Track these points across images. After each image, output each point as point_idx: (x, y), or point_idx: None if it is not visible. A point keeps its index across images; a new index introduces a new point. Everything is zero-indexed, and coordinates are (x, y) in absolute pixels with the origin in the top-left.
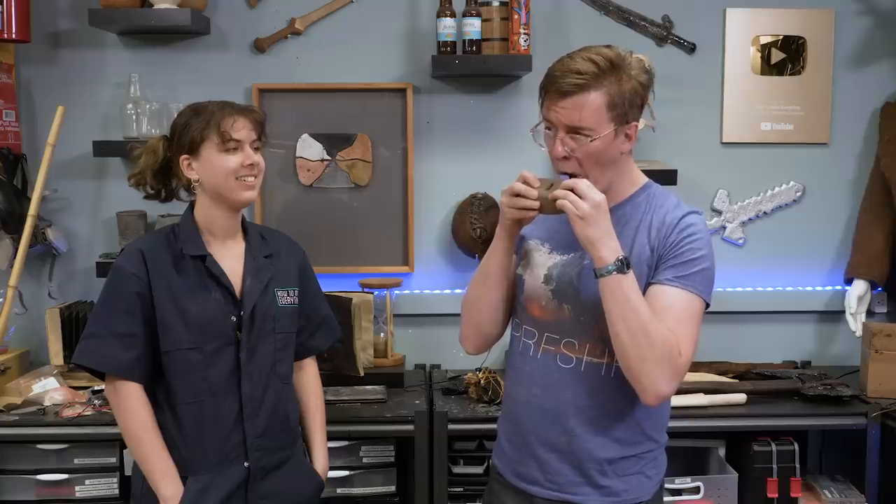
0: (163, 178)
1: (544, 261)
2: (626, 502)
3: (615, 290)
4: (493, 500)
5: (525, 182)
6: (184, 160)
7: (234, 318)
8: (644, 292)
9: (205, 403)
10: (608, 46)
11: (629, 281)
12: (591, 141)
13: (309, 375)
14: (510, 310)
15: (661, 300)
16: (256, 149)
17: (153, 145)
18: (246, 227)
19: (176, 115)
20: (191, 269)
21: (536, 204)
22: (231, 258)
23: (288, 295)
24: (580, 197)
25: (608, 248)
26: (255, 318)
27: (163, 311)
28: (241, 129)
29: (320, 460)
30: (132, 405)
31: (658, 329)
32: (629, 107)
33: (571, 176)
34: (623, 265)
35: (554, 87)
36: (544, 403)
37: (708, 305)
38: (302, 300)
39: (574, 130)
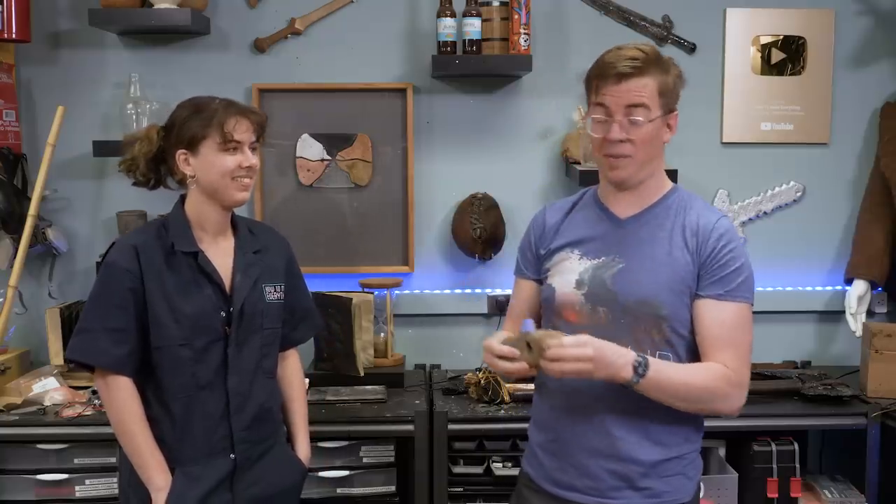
0: (155, 166)
1: (575, 266)
2: (667, 503)
3: (652, 388)
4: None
5: (501, 356)
6: (181, 155)
7: (223, 314)
8: (691, 301)
9: (193, 398)
10: (645, 44)
11: (657, 372)
12: (649, 121)
13: (291, 366)
14: None
15: (713, 316)
16: (254, 149)
17: (148, 133)
18: (235, 223)
19: (177, 107)
20: (182, 265)
21: (533, 371)
22: (221, 254)
23: (275, 290)
24: (575, 357)
25: (625, 370)
26: (244, 314)
27: (154, 308)
28: (244, 131)
29: (303, 448)
30: (123, 399)
31: (705, 379)
32: (673, 96)
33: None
34: (643, 368)
35: (613, 72)
36: (582, 409)
37: (753, 304)
38: (287, 294)
39: (632, 112)
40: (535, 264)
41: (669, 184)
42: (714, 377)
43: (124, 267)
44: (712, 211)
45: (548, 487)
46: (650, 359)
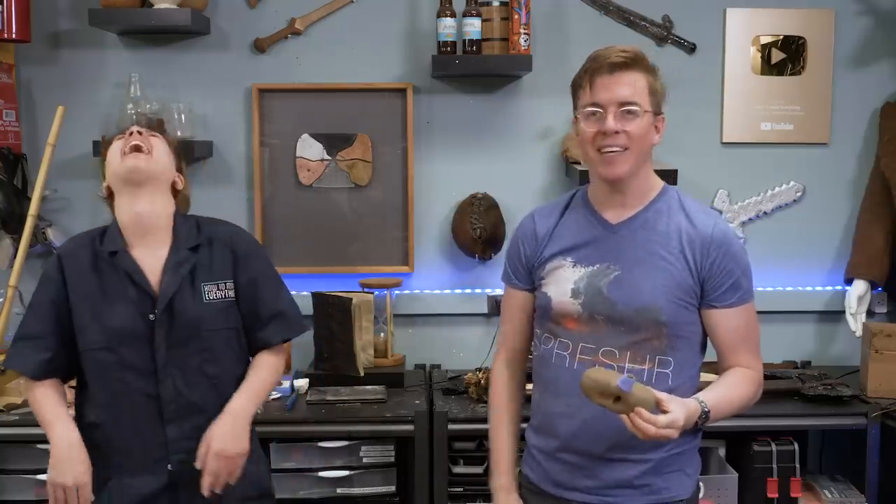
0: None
1: (569, 275)
2: (666, 500)
3: (716, 419)
4: None
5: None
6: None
7: (151, 318)
8: (698, 307)
9: (122, 404)
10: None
11: (715, 411)
12: (636, 115)
13: (260, 359)
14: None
15: (730, 324)
16: (140, 133)
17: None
18: (176, 223)
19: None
20: (109, 269)
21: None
22: (152, 255)
23: (218, 289)
24: (662, 436)
25: (694, 420)
26: (173, 315)
27: (76, 312)
28: (132, 126)
29: (236, 399)
30: (38, 394)
31: (748, 391)
32: (661, 98)
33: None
34: (706, 416)
35: (606, 62)
36: (584, 413)
37: None
38: (244, 292)
39: (625, 104)
40: (527, 275)
41: (659, 185)
42: (753, 386)
43: (48, 275)
44: (708, 214)
45: (548, 489)
46: (709, 402)
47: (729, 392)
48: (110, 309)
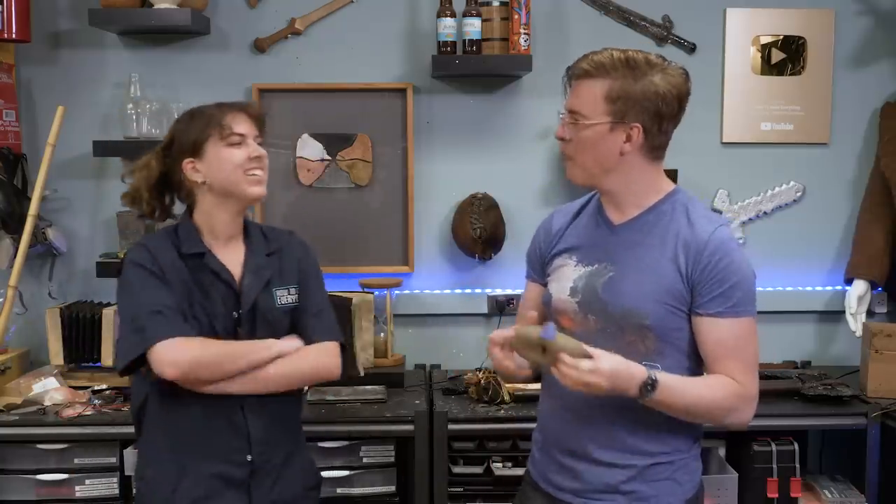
0: (158, 192)
1: (570, 273)
2: None
3: (661, 403)
4: (525, 502)
5: (500, 343)
6: (188, 164)
7: (235, 315)
8: (688, 314)
9: (207, 399)
10: (641, 51)
11: (667, 388)
12: (582, 126)
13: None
14: None
15: (716, 334)
16: (259, 143)
17: (146, 161)
18: (248, 228)
19: (173, 124)
20: (195, 267)
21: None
22: (232, 257)
23: (288, 293)
24: (585, 383)
25: (634, 387)
26: (255, 315)
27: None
28: (242, 124)
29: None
30: (206, 343)
31: (714, 394)
32: (633, 105)
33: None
34: (651, 386)
35: (569, 73)
36: (571, 413)
37: (756, 312)
38: (301, 298)
39: (571, 113)
40: (541, 269)
41: (668, 188)
42: (725, 392)
43: (143, 264)
44: (710, 220)
45: (544, 487)
46: (661, 378)
47: (691, 383)
48: (201, 304)
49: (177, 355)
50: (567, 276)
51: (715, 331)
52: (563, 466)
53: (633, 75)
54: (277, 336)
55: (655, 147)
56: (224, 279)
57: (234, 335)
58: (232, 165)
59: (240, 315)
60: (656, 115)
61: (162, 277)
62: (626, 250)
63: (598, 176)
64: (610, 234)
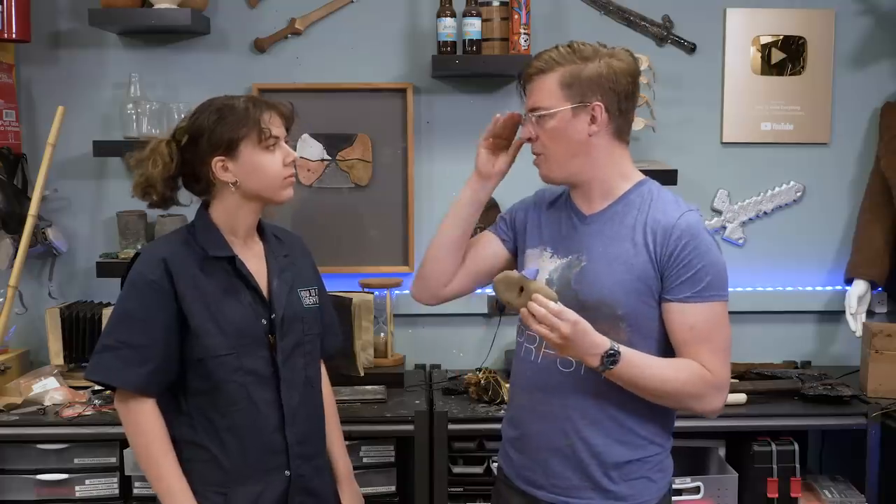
0: (173, 183)
1: (547, 265)
2: None
3: (622, 380)
4: (500, 502)
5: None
6: (217, 162)
7: (265, 322)
8: (659, 302)
9: (244, 412)
10: (586, 42)
11: (628, 363)
12: (547, 118)
13: (324, 378)
14: (460, 259)
15: (683, 320)
16: (287, 143)
17: (159, 150)
18: (262, 227)
19: (195, 114)
20: (218, 272)
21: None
22: (254, 259)
23: (310, 295)
24: (550, 324)
25: (593, 356)
26: (285, 321)
27: (195, 318)
28: (278, 126)
29: (341, 461)
30: (147, 422)
31: (678, 374)
32: (588, 86)
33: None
34: (613, 358)
35: (523, 76)
36: (546, 408)
37: (727, 297)
38: (320, 299)
39: (534, 111)
40: (509, 231)
41: (636, 178)
42: (690, 376)
43: (151, 279)
44: (677, 206)
45: (519, 484)
46: (625, 353)
47: (656, 363)
48: (231, 312)
49: (121, 409)
50: (544, 268)
51: (683, 317)
52: (538, 463)
53: (582, 60)
54: (307, 344)
55: (620, 128)
56: (252, 286)
57: (265, 342)
58: (271, 172)
59: (271, 321)
60: (612, 91)
61: (168, 294)
62: (598, 241)
63: (570, 165)
64: (582, 224)
